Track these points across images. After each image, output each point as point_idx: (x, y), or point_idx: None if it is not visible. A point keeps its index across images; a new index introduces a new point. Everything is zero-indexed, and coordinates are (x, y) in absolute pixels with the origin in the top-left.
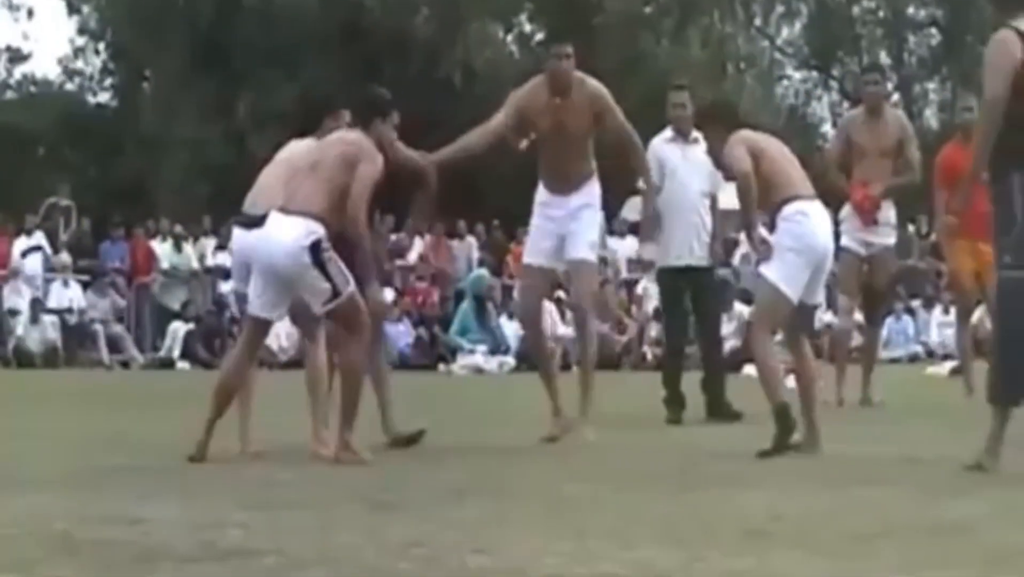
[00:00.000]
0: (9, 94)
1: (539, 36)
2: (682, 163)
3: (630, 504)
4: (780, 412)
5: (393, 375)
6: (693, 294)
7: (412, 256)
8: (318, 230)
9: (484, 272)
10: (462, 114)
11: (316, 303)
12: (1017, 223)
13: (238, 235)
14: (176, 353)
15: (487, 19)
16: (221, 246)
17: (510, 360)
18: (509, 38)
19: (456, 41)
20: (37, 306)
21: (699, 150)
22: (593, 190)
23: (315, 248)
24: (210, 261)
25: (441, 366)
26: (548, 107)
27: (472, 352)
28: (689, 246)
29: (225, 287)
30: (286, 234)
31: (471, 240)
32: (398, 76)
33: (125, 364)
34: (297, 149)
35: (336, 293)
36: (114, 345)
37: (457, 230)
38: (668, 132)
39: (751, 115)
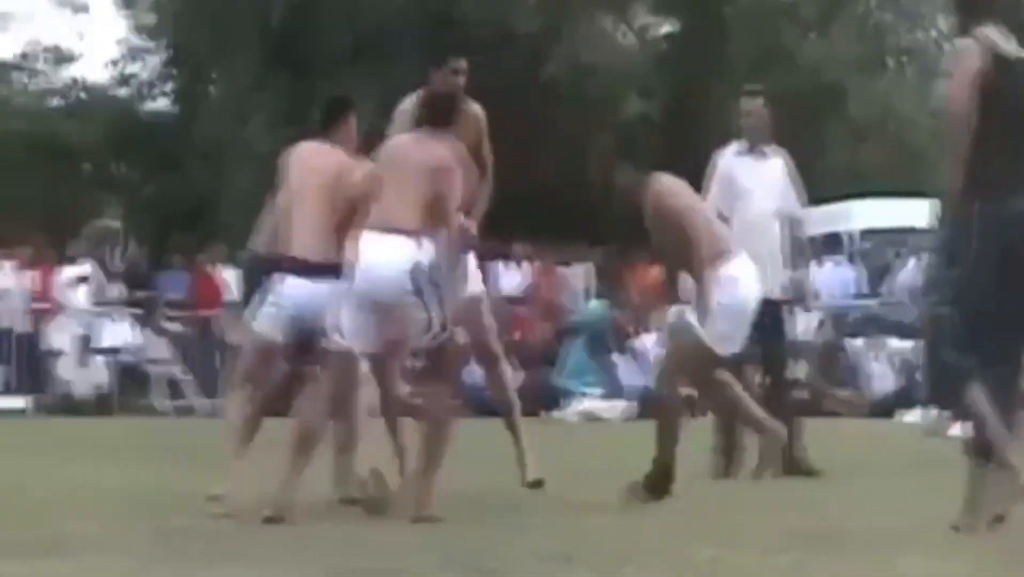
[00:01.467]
0: (54, 101)
1: (665, 29)
2: (754, 180)
3: (780, 571)
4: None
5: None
6: (759, 333)
7: (513, 284)
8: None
9: (601, 305)
10: (569, 119)
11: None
12: (965, 259)
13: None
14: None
15: (598, 11)
16: None
17: (630, 405)
18: (625, 32)
19: (562, 36)
20: (85, 345)
21: (773, 166)
22: None
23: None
24: None
25: (554, 413)
26: None
27: (585, 396)
28: (761, 276)
29: None
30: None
31: (583, 267)
32: (496, 76)
33: (186, 411)
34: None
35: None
36: (174, 390)
37: (567, 255)
38: (736, 144)
39: (912, 115)
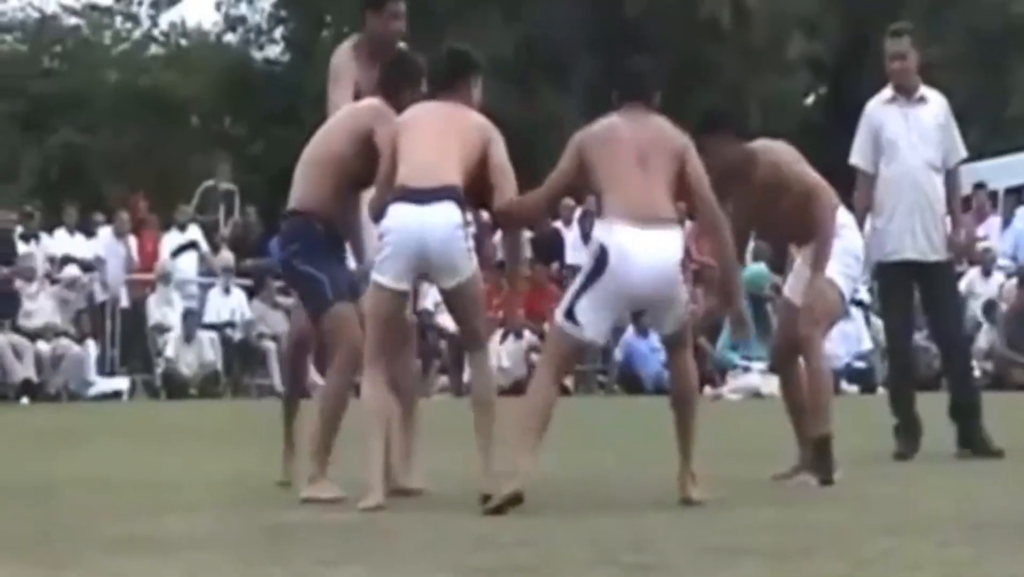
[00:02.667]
0: (154, 49)
1: None
2: (904, 129)
3: (958, 564)
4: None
5: (635, 401)
6: (924, 297)
7: None
8: None
9: (762, 268)
10: (732, 64)
11: None
12: None
13: None
14: None
15: None
16: None
17: None
18: None
19: None
20: (192, 320)
21: (927, 113)
22: None
23: None
24: None
25: (707, 389)
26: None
27: (747, 370)
28: (911, 235)
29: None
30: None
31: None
32: (648, 17)
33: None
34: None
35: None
36: None
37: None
38: (887, 91)
39: None
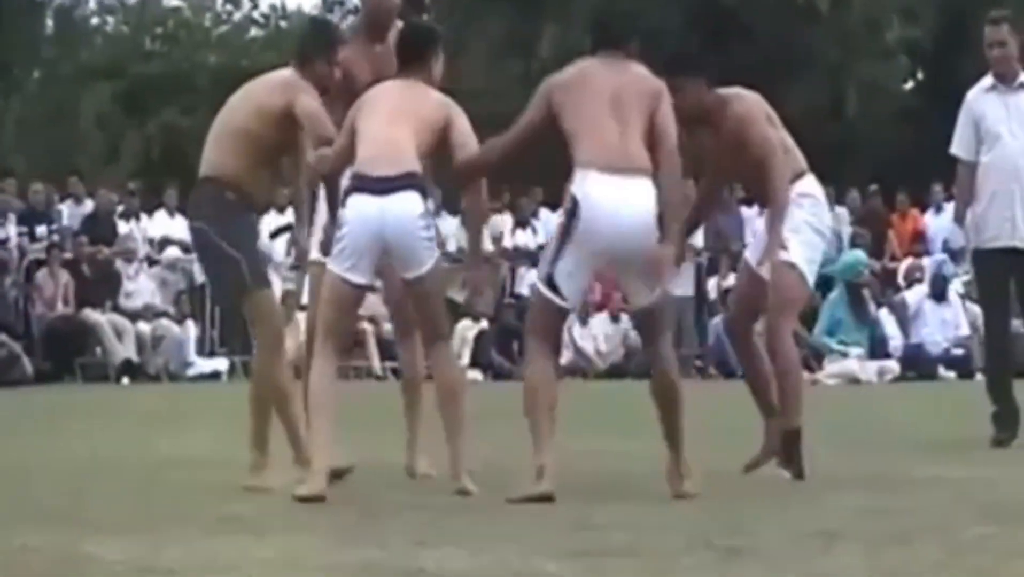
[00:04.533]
0: (253, 31)
1: None
2: (1005, 116)
3: None
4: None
5: (733, 385)
6: (1019, 284)
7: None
8: None
9: (860, 254)
10: (830, 49)
11: None
12: None
13: None
14: (465, 360)
15: None
16: (521, 223)
17: (893, 366)
18: None
19: None
20: (290, 302)
21: None
22: None
23: None
24: (507, 242)
25: (804, 374)
26: (365, 56)
27: (844, 356)
28: (1011, 223)
29: (531, 279)
30: None
31: (841, 210)
32: (745, 1)
33: (400, 373)
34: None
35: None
36: (387, 349)
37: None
38: (987, 79)
39: None
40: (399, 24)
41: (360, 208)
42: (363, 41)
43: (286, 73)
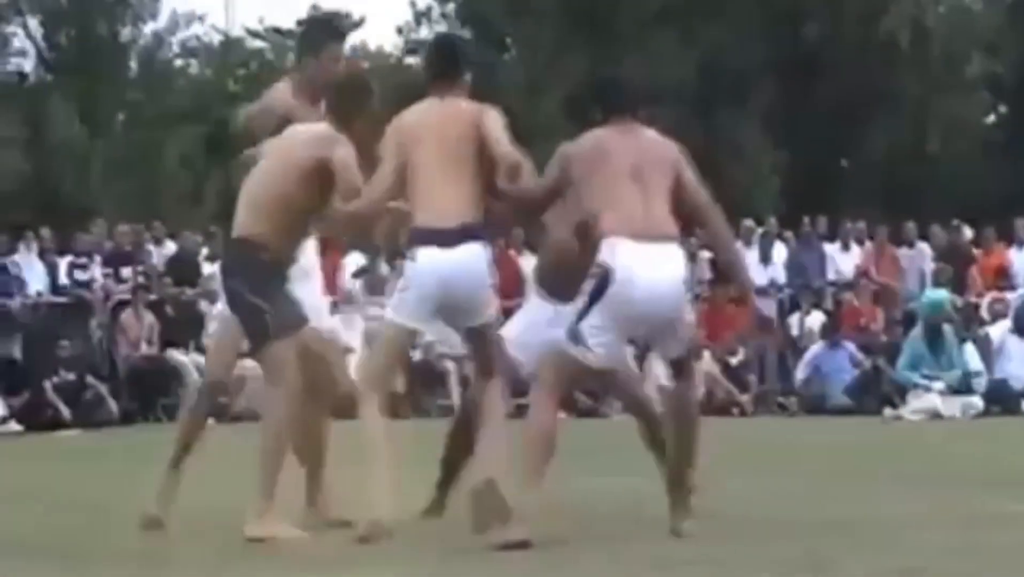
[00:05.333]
0: None
1: None
2: None
3: None
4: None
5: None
6: None
7: (848, 267)
8: None
9: (944, 295)
10: (911, 85)
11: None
12: None
13: None
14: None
15: None
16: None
17: (976, 401)
18: None
19: None
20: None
21: None
22: None
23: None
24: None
25: (887, 410)
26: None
27: (927, 390)
28: None
29: None
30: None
31: (923, 247)
32: (826, 39)
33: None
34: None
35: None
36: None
37: (905, 234)
38: None
39: None
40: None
41: (429, 261)
42: (307, 105)
43: (322, 127)
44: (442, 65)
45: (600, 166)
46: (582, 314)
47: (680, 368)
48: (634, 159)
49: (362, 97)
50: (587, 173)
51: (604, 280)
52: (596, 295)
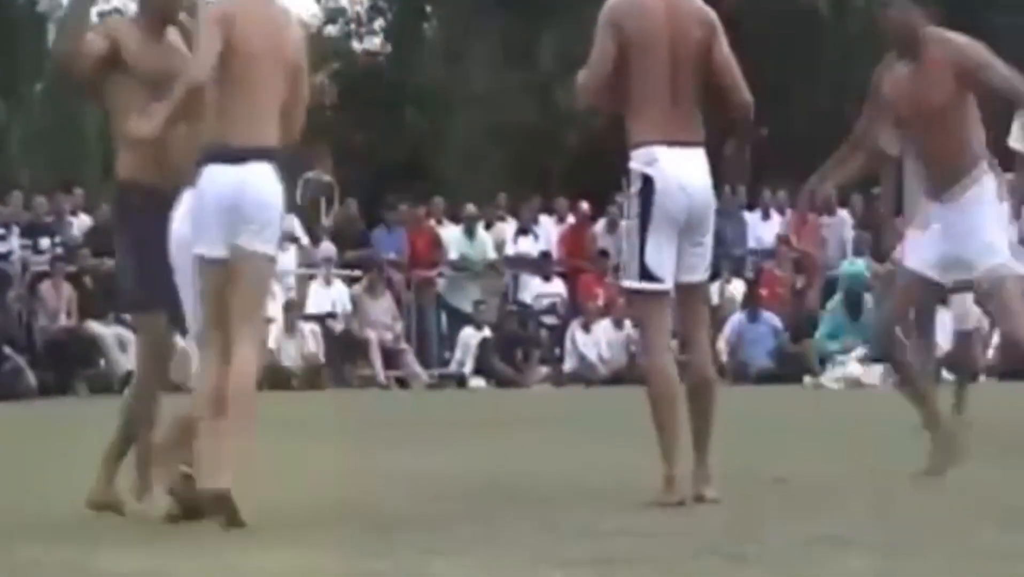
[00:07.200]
0: None
1: None
2: None
3: None
4: None
5: (745, 391)
6: None
7: (768, 236)
8: None
9: (862, 266)
10: (830, 53)
11: None
12: None
13: None
14: (468, 368)
15: None
16: (523, 230)
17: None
18: None
19: None
20: (293, 311)
21: None
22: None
23: None
24: (509, 250)
25: (807, 379)
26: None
27: (843, 362)
28: None
29: (533, 286)
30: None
31: (843, 215)
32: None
33: (404, 382)
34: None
35: None
36: (391, 359)
37: (826, 202)
38: None
39: None
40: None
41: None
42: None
43: None
44: None
45: (644, 47)
46: (640, 244)
47: (693, 311)
48: (672, 37)
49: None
50: (632, 46)
51: (648, 189)
52: (644, 211)
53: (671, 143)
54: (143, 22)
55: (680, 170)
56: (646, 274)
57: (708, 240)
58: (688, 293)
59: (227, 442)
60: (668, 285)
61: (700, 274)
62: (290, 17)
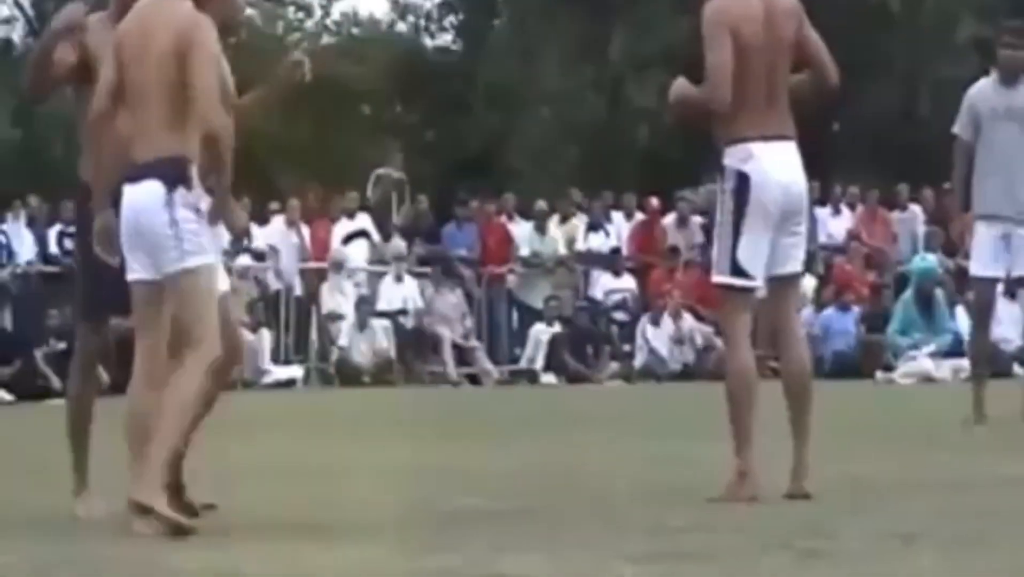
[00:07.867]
0: (326, 38)
1: None
2: None
3: None
4: None
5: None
6: None
7: (839, 231)
8: None
9: (933, 262)
10: (902, 48)
11: None
12: None
13: None
14: (539, 364)
15: None
16: (593, 226)
17: (967, 364)
18: None
19: None
20: (364, 308)
21: None
22: None
23: None
24: (580, 245)
25: (879, 374)
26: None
27: (914, 357)
28: None
29: (604, 282)
30: None
31: (915, 210)
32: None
33: (475, 379)
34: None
35: None
36: (462, 355)
37: (896, 198)
38: None
39: None
40: None
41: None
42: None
43: None
44: None
45: (744, 49)
46: (734, 240)
47: (787, 301)
48: (767, 31)
49: None
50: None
51: (743, 186)
52: (738, 208)
53: (767, 138)
54: (116, 16)
55: (775, 165)
56: (737, 270)
57: (803, 229)
58: (783, 285)
59: (154, 453)
60: (758, 282)
61: (795, 265)
62: (174, 8)
